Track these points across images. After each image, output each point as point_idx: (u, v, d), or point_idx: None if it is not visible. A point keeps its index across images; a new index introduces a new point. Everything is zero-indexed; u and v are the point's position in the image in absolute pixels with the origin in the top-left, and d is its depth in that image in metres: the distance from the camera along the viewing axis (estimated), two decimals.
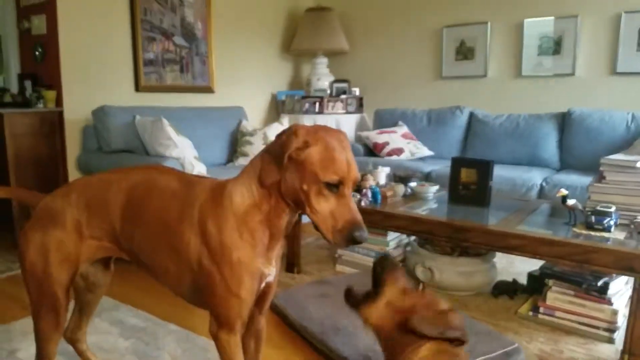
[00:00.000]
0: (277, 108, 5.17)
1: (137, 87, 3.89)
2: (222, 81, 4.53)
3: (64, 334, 1.67)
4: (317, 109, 4.83)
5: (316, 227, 1.15)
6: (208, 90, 4.43)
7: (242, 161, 3.97)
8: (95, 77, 3.60)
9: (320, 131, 1.15)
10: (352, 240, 1.10)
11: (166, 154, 3.20)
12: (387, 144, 4.27)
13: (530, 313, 2.29)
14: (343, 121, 4.84)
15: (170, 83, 4.13)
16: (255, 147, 3.95)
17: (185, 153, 3.27)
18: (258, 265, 1.22)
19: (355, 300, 1.30)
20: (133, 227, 1.32)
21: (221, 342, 1.25)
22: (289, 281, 2.75)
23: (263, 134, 4.03)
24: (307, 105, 4.86)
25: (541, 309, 2.26)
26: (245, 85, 4.80)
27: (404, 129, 4.44)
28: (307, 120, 4.79)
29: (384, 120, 4.67)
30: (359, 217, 1.12)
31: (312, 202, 1.12)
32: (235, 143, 4.14)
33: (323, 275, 2.85)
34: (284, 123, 4.19)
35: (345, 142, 1.18)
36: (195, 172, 3.25)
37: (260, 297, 1.31)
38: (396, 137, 4.32)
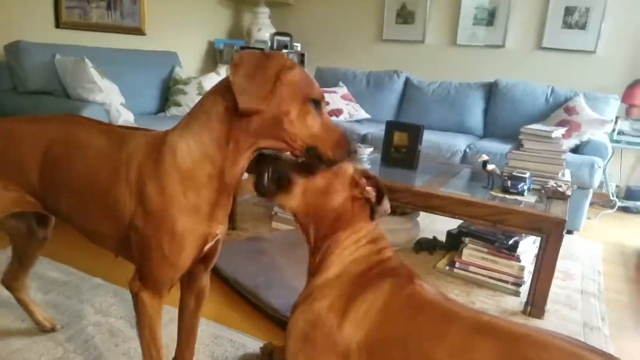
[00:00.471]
0: (214, 57, 4.98)
1: (58, 23, 3.57)
2: (155, 23, 4.27)
3: (2, 281, 1.64)
4: None
5: (292, 155, 1.10)
6: (138, 32, 4.17)
7: (175, 111, 3.83)
8: (9, 8, 3.27)
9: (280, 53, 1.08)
10: (353, 152, 1.10)
11: (89, 98, 3.00)
12: (327, 104, 4.26)
13: (447, 267, 2.46)
14: None
15: (96, 21, 3.83)
16: (190, 97, 3.82)
17: (110, 98, 3.07)
18: (203, 229, 1.11)
19: (266, 191, 1.20)
20: (56, 191, 1.19)
21: (143, 303, 1.15)
22: (224, 237, 2.74)
23: (198, 83, 3.88)
24: None
25: (457, 264, 2.44)
26: (180, 29, 4.57)
27: (344, 90, 4.46)
28: None
29: (325, 79, 4.65)
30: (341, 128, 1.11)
31: (299, 123, 1.03)
32: (168, 91, 3.97)
33: (259, 232, 2.88)
34: (221, 73, 4.06)
35: None
36: (121, 121, 3.07)
37: (207, 256, 1.22)
38: (336, 98, 4.34)
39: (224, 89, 1.03)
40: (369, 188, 1.17)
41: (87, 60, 3.04)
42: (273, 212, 2.98)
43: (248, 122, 1.03)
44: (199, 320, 1.42)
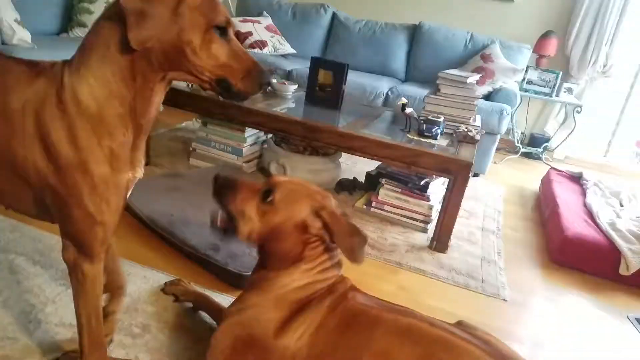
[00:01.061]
0: None
1: None
2: None
3: None
4: None
5: (202, 88, 1.01)
6: None
7: (79, 32, 3.51)
8: None
9: None
10: (265, 84, 1.01)
11: None
12: (250, 34, 4.11)
13: (365, 207, 2.58)
14: None
15: None
16: (96, 16, 3.49)
17: (2, 14, 2.74)
18: (125, 176, 1.02)
19: (223, 234, 1.23)
20: None
21: (82, 272, 1.06)
22: None
23: (106, 2, 3.56)
24: None
25: (373, 204, 2.56)
26: None
27: (268, 20, 4.31)
28: None
29: (248, 7, 4.46)
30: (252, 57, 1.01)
31: (204, 53, 0.94)
32: (71, 10, 3.59)
33: (176, 168, 2.80)
34: None
35: None
36: (15, 40, 2.75)
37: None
38: (260, 29, 4.18)
39: (120, 13, 0.88)
40: (321, 232, 1.15)
41: None
42: (191, 149, 2.91)
43: (149, 53, 0.92)
44: (116, 248, 1.38)
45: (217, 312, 1.51)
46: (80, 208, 0.97)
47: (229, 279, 1.76)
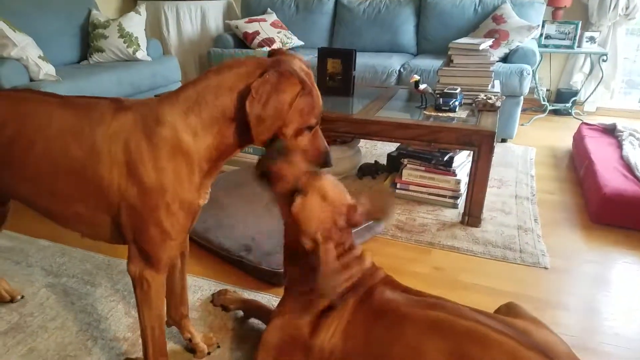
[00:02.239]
0: None
1: None
2: None
3: None
4: None
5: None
6: None
7: (99, 58, 3.59)
8: None
9: (299, 70, 1.08)
10: (325, 165, 1.18)
11: (4, 55, 2.80)
12: (257, 33, 4.11)
13: (390, 189, 2.55)
14: (209, 8, 4.52)
15: None
16: (111, 41, 3.57)
17: (26, 52, 2.87)
18: (197, 201, 1.13)
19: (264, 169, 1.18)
20: (13, 174, 1.12)
21: (146, 281, 1.14)
22: None
23: (118, 25, 3.63)
24: None
25: (398, 185, 2.52)
26: None
27: (273, 17, 4.28)
28: (169, 8, 4.39)
29: (252, 7, 4.44)
30: (327, 146, 1.18)
31: (291, 140, 1.11)
32: (87, 37, 3.69)
33: None
34: (142, 12, 3.79)
35: (311, 74, 1.14)
36: (42, 75, 2.89)
37: None
38: (266, 26, 4.17)
39: (244, 91, 1.02)
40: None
41: None
42: None
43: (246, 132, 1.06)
44: (186, 276, 1.45)
45: (267, 314, 1.52)
46: (158, 226, 1.07)
47: (264, 277, 1.80)
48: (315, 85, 1.12)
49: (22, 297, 1.69)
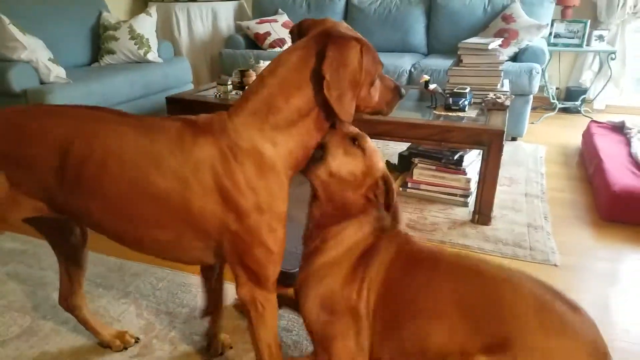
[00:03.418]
0: None
1: None
2: None
3: (59, 301, 1.45)
4: None
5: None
6: None
7: (110, 60, 3.64)
8: None
9: (345, 29, 1.08)
10: (401, 97, 1.20)
11: (14, 58, 2.84)
12: (268, 34, 4.14)
13: (401, 188, 2.57)
14: (220, 9, 4.57)
15: None
16: (122, 42, 3.62)
17: (37, 55, 2.90)
18: (286, 208, 1.10)
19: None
20: (86, 200, 1.04)
21: (260, 304, 1.10)
22: None
23: (129, 27, 3.67)
24: None
25: (409, 184, 2.54)
26: None
27: (284, 17, 4.31)
28: (180, 9, 4.44)
29: (263, 8, 4.47)
30: (393, 80, 1.20)
31: (365, 99, 1.10)
32: (98, 39, 3.74)
33: None
34: (153, 14, 3.84)
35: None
36: (52, 77, 2.93)
37: None
38: (277, 27, 4.20)
39: (311, 80, 1.01)
40: (380, 191, 1.21)
41: (3, 17, 2.82)
42: None
43: (329, 116, 1.06)
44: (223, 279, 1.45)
45: (291, 300, 1.50)
46: (261, 245, 1.04)
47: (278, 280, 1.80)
48: None
49: (138, 340, 1.55)
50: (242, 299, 1.11)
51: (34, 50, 2.90)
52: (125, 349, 1.49)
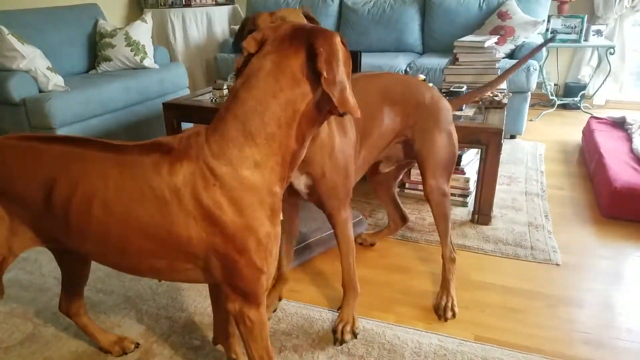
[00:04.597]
0: (138, 3, 4.69)
1: None
2: None
3: (60, 307, 1.46)
4: (183, 1, 4.49)
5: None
6: None
7: (106, 67, 3.64)
8: None
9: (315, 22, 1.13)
10: None
11: (13, 67, 2.87)
12: None
13: (399, 189, 2.55)
14: (214, 14, 4.57)
15: None
16: (119, 49, 3.62)
17: (35, 64, 2.93)
18: (277, 227, 1.09)
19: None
20: (76, 236, 1.06)
21: (249, 319, 1.12)
22: None
23: (125, 33, 3.67)
24: None
25: (407, 185, 2.53)
26: None
27: None
28: (175, 15, 4.44)
29: (256, 11, 4.45)
30: None
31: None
32: (95, 47, 3.74)
33: None
34: (148, 20, 3.83)
35: None
36: (51, 86, 2.95)
37: None
38: None
39: (291, 84, 0.96)
40: None
41: (2, 28, 2.84)
42: None
43: (323, 111, 1.01)
44: None
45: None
46: (249, 265, 1.03)
47: None
48: None
49: (137, 345, 1.55)
50: (231, 314, 1.12)
51: (32, 59, 2.91)
52: (125, 354, 1.50)
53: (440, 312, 1.65)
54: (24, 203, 1.06)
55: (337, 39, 0.96)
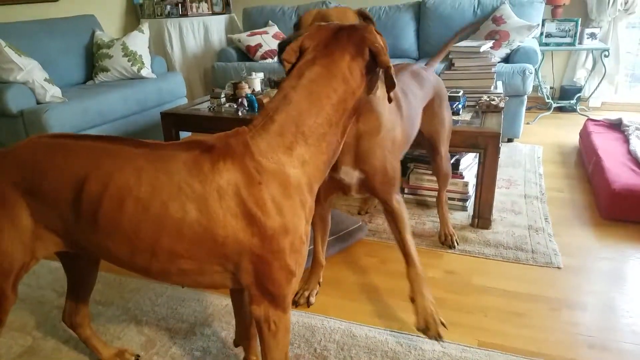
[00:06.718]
0: (135, 13, 4.70)
1: None
2: None
3: (63, 318, 1.45)
4: (180, 11, 4.50)
5: None
6: None
7: (104, 77, 3.65)
8: None
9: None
10: None
11: (10, 79, 2.87)
12: (260, 46, 4.15)
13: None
14: (211, 23, 4.58)
15: None
16: (116, 60, 3.62)
17: (32, 76, 2.93)
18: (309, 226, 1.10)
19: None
20: (104, 237, 1.03)
21: (274, 323, 1.09)
22: None
23: (122, 44, 3.68)
24: (168, 7, 4.50)
25: (406, 190, 2.53)
26: None
27: (274, 29, 4.32)
28: (172, 25, 4.45)
29: (253, 21, 4.48)
30: None
31: None
32: (92, 58, 3.75)
33: None
34: (145, 30, 3.85)
35: None
36: (49, 97, 2.95)
37: None
38: (268, 38, 4.21)
39: (342, 84, 1.02)
40: None
41: None
42: None
43: (359, 107, 1.08)
44: None
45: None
46: (282, 267, 1.02)
47: None
48: None
49: (138, 357, 1.53)
50: (256, 317, 1.09)
51: (30, 71, 2.92)
52: None
53: (448, 242, 2.09)
54: (53, 203, 1.04)
55: (374, 30, 1.04)
